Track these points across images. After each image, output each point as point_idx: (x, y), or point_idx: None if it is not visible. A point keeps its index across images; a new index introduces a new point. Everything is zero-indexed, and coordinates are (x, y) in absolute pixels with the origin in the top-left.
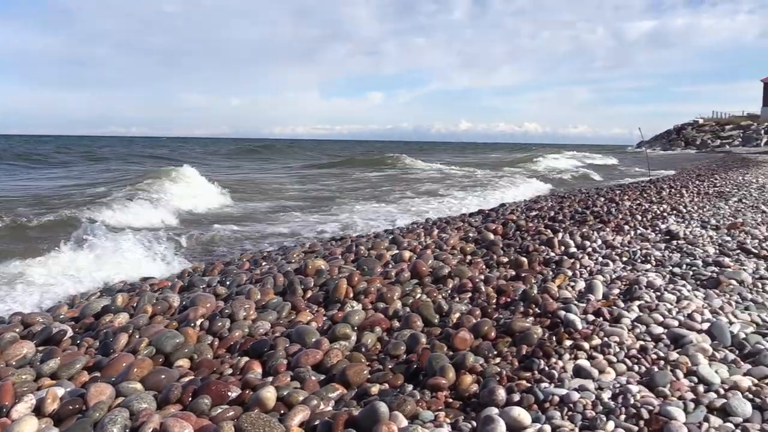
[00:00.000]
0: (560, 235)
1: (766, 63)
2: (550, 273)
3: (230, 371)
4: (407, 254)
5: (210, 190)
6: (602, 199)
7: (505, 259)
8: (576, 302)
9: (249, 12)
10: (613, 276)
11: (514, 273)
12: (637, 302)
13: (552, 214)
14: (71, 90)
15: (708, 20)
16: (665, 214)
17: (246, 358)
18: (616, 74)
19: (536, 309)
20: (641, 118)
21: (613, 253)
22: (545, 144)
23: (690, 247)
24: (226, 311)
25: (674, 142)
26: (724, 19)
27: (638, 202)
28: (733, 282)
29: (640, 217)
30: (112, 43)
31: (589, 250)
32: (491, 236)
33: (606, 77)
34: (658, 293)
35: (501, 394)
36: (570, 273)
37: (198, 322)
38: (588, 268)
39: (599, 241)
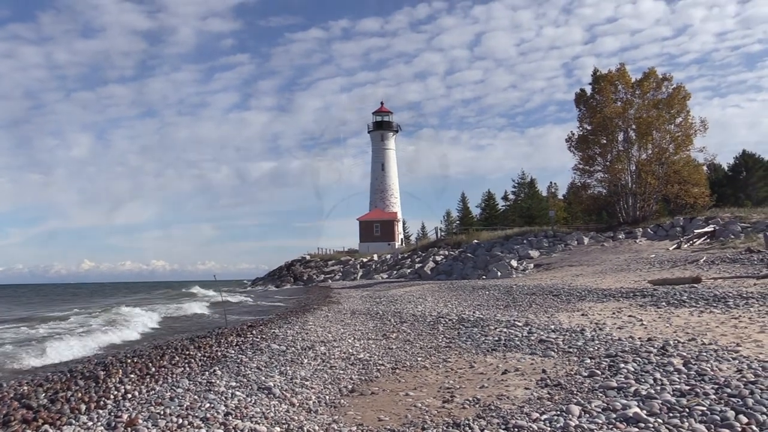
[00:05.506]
0: None
1: (365, 203)
2: None
3: None
4: None
5: None
6: (88, 373)
7: None
8: None
9: None
10: None
11: None
12: None
13: None
14: None
15: (321, 162)
16: (117, 400)
17: None
18: (241, 211)
19: None
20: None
21: None
22: (174, 281)
23: None
24: None
25: (284, 278)
26: (333, 162)
27: (130, 377)
28: None
29: (84, 407)
30: None
31: None
32: None
33: (231, 214)
34: None
35: None
36: None
37: None
38: None
39: None
